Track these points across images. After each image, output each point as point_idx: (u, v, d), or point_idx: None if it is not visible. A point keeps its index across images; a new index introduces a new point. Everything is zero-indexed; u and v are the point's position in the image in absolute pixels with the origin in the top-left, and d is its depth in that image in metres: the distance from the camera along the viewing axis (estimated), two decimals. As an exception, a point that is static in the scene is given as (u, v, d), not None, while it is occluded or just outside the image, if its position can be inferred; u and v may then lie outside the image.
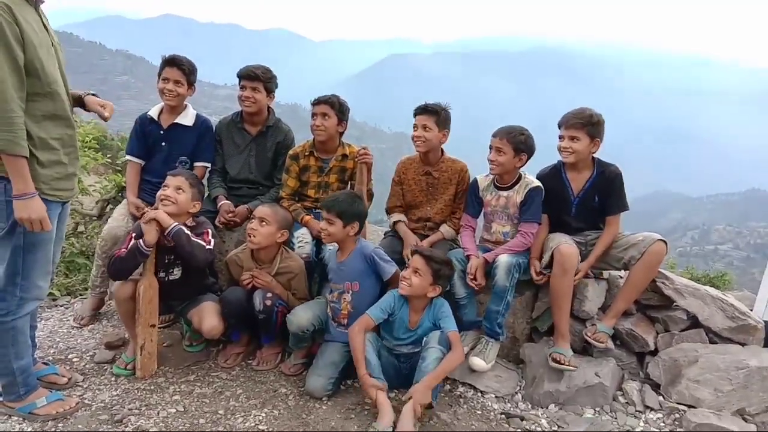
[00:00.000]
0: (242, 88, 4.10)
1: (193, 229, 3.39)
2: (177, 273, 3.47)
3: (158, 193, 3.40)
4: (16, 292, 2.70)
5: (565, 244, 3.37)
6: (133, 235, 3.36)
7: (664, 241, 3.37)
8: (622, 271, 3.68)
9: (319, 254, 3.81)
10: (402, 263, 3.60)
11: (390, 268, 3.43)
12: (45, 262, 2.78)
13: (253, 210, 3.82)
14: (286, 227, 3.57)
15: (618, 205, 3.54)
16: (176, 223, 3.27)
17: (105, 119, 3.10)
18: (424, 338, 3.19)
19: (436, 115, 3.75)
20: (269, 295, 3.44)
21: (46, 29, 2.70)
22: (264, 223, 3.46)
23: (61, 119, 2.70)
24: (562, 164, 3.66)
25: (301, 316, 3.41)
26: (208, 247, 3.34)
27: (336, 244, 3.51)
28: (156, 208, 3.34)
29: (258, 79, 4.08)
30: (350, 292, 3.43)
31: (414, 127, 3.83)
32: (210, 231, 3.45)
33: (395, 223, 3.97)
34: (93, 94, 3.11)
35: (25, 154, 2.49)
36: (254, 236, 3.46)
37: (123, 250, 3.30)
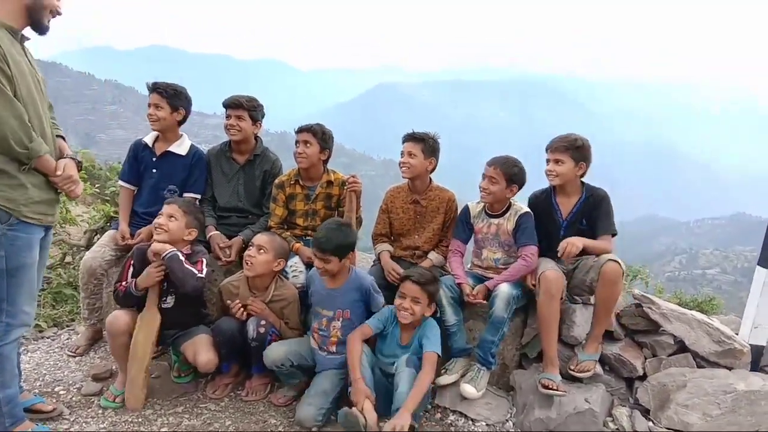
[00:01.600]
0: (228, 116, 4.15)
1: (188, 257, 3.40)
2: (170, 301, 3.47)
3: (154, 222, 3.42)
4: (1, 318, 2.68)
5: (550, 270, 3.41)
6: (132, 262, 3.40)
7: (616, 261, 3.36)
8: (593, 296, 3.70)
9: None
10: (392, 290, 3.62)
11: (380, 300, 3.52)
12: (30, 287, 2.77)
13: (247, 240, 3.87)
14: (283, 256, 3.58)
15: (606, 226, 3.57)
16: (172, 249, 3.29)
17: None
18: (395, 363, 3.24)
19: (422, 142, 3.81)
20: (263, 322, 3.44)
21: (30, 63, 2.74)
22: (261, 251, 3.46)
23: None
24: (553, 189, 3.73)
25: (276, 351, 3.40)
26: (199, 275, 3.34)
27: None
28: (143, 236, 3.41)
29: (242, 107, 4.13)
30: (341, 319, 3.44)
31: (401, 154, 3.88)
32: (204, 260, 3.46)
33: (380, 253, 3.98)
34: (73, 158, 2.96)
35: (48, 151, 2.69)
36: (251, 264, 3.46)
37: (122, 286, 3.37)
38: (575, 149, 3.55)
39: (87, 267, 3.95)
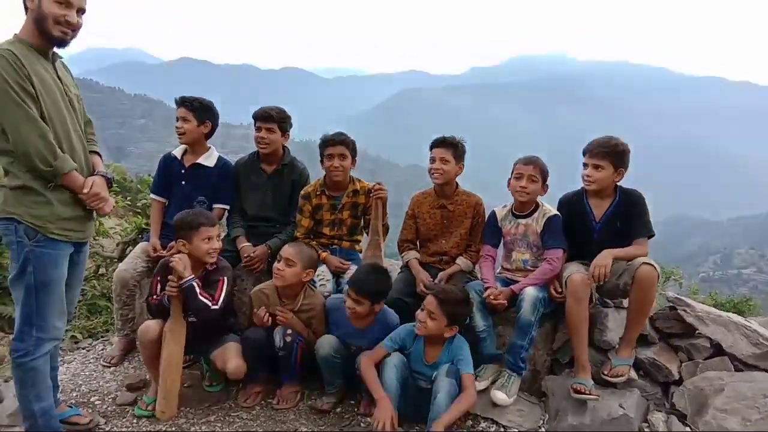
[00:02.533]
0: (258, 129, 4.19)
1: (211, 273, 3.45)
2: (195, 318, 3.50)
3: (204, 247, 3.38)
4: (32, 332, 2.75)
5: (576, 273, 3.36)
6: (158, 279, 3.45)
7: (651, 264, 3.31)
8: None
9: (339, 290, 3.83)
10: (418, 299, 3.61)
11: None
12: (59, 302, 2.83)
13: (273, 248, 3.93)
14: (311, 266, 3.60)
15: (643, 228, 3.50)
16: (190, 277, 3.30)
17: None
18: (434, 373, 3.18)
19: (454, 147, 3.81)
20: (289, 331, 3.46)
21: (61, 80, 2.80)
22: (290, 263, 3.48)
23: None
24: (585, 190, 3.67)
25: (328, 338, 3.46)
26: (213, 307, 3.33)
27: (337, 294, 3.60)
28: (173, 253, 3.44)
29: (272, 119, 4.17)
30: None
31: (431, 160, 3.87)
32: (225, 280, 3.46)
33: (408, 261, 3.98)
34: (104, 175, 2.98)
35: (76, 167, 2.75)
36: (280, 276, 3.49)
37: (155, 299, 3.43)
38: (616, 155, 3.48)
39: (120, 278, 4.03)
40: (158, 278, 3.47)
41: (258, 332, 3.52)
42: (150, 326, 3.41)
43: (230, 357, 3.44)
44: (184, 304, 3.38)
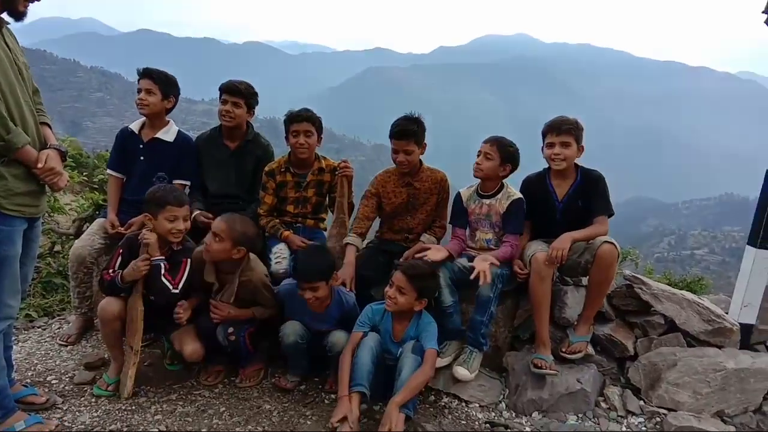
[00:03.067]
0: (223, 102, 4.09)
1: (176, 254, 3.37)
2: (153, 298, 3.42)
3: (167, 226, 3.29)
4: None
5: (540, 252, 3.42)
6: (120, 251, 3.34)
7: (612, 243, 3.38)
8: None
9: None
10: (383, 274, 3.62)
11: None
12: (13, 280, 2.73)
13: None
14: (245, 245, 3.38)
15: (602, 206, 3.55)
16: (160, 258, 3.25)
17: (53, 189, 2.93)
18: (399, 349, 3.21)
19: (414, 135, 3.74)
20: (230, 330, 3.41)
21: (9, 49, 2.67)
22: (218, 238, 3.31)
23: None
24: (548, 171, 3.71)
25: (293, 325, 3.39)
26: (173, 290, 3.27)
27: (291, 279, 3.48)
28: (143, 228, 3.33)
29: (240, 94, 4.08)
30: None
31: (394, 152, 3.79)
32: (188, 261, 3.39)
33: (347, 244, 3.78)
34: (57, 148, 2.86)
35: (29, 141, 2.63)
36: (208, 250, 3.35)
37: (109, 273, 3.29)
38: (578, 131, 3.55)
39: (76, 255, 3.92)
40: (120, 252, 3.35)
41: (207, 321, 3.44)
42: (110, 302, 3.31)
43: (186, 340, 3.39)
44: (144, 282, 3.31)
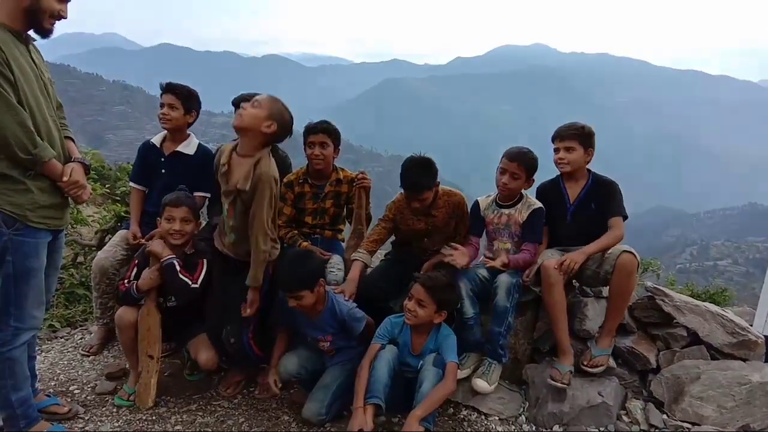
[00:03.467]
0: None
1: (190, 257, 3.42)
2: (174, 300, 3.48)
3: (165, 226, 3.39)
4: (10, 322, 2.70)
5: (549, 259, 3.40)
6: (136, 263, 3.40)
7: (631, 252, 3.34)
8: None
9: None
10: (400, 286, 3.61)
11: (359, 326, 3.37)
12: (38, 292, 2.78)
13: None
14: (279, 122, 3.18)
15: (616, 208, 3.53)
16: (170, 257, 3.30)
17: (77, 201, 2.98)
18: (419, 362, 3.19)
19: (428, 187, 3.60)
20: (232, 341, 3.39)
21: (36, 65, 2.74)
22: (256, 104, 3.16)
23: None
24: (561, 176, 3.73)
25: (290, 362, 3.39)
26: (192, 285, 3.32)
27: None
28: (155, 238, 3.39)
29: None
30: (326, 340, 3.41)
31: (411, 199, 3.67)
32: (204, 262, 3.45)
33: (353, 260, 3.74)
34: (81, 162, 2.92)
35: (54, 155, 2.69)
36: (241, 114, 3.16)
37: (125, 284, 3.36)
38: (584, 136, 3.58)
39: (99, 266, 3.98)
40: (136, 263, 3.43)
41: (218, 330, 3.43)
42: (126, 310, 3.38)
43: (201, 348, 3.43)
44: (161, 288, 3.35)
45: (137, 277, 3.39)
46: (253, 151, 3.17)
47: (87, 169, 2.94)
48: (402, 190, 3.74)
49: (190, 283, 3.32)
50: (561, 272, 3.32)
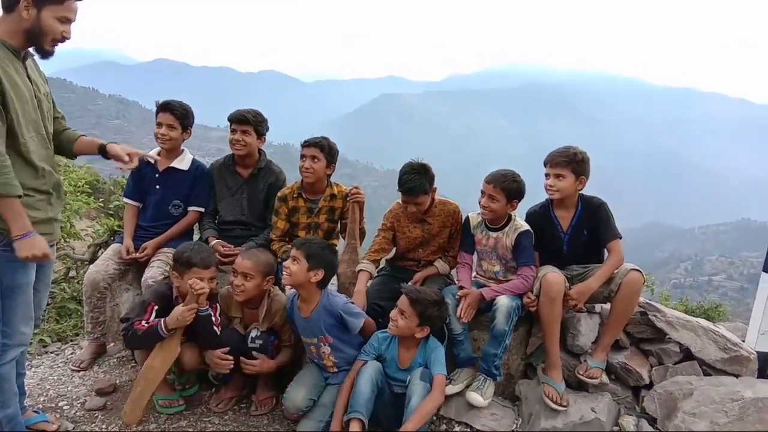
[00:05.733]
0: (233, 131, 4.16)
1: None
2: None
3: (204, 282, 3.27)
4: None
5: (551, 273, 3.40)
6: (155, 308, 3.31)
7: (638, 270, 3.37)
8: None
9: None
10: (395, 302, 3.61)
11: (357, 322, 3.35)
12: (26, 308, 2.76)
13: None
14: (271, 273, 3.46)
15: (610, 232, 3.53)
16: (206, 309, 3.27)
17: (124, 168, 3.12)
18: (408, 377, 3.17)
19: (422, 191, 3.66)
20: (256, 335, 3.45)
21: (31, 81, 2.74)
22: (248, 278, 3.36)
23: (33, 167, 2.70)
24: (551, 202, 3.69)
25: (297, 396, 3.31)
26: (218, 331, 3.35)
27: (294, 290, 3.41)
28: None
29: (248, 122, 4.14)
30: (326, 344, 3.36)
31: (404, 202, 3.77)
32: (218, 306, 3.45)
33: (360, 271, 3.79)
34: (114, 143, 3.13)
35: (19, 194, 2.51)
36: (241, 291, 3.36)
37: (143, 324, 3.24)
38: (576, 163, 3.50)
39: (91, 281, 3.96)
40: (155, 306, 3.33)
41: (227, 335, 3.45)
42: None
43: (184, 349, 3.38)
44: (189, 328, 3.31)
45: (158, 317, 3.29)
46: (317, 296, 3.35)
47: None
48: (399, 199, 3.83)
49: (218, 332, 3.33)
50: (570, 304, 3.38)
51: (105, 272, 3.96)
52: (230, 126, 4.19)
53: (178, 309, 3.21)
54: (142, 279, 3.87)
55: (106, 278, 3.96)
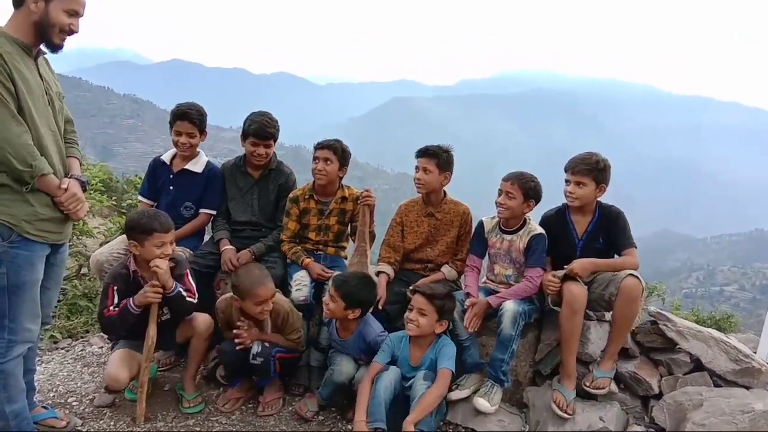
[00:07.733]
0: (254, 144, 4.09)
1: (173, 269, 3.33)
2: (168, 313, 3.42)
3: (158, 252, 3.22)
4: (4, 335, 2.69)
5: (575, 284, 3.38)
6: (115, 288, 3.26)
7: (636, 276, 3.33)
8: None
9: (321, 296, 3.79)
10: (403, 305, 3.61)
11: None
12: (33, 304, 2.77)
13: (256, 253, 3.95)
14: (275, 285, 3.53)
15: (627, 240, 3.52)
16: (176, 286, 3.25)
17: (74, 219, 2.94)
18: (411, 380, 3.21)
19: (436, 157, 3.80)
20: (266, 344, 3.45)
21: (43, 79, 2.76)
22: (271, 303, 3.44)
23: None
24: (567, 206, 3.69)
25: (347, 366, 3.45)
26: (193, 301, 3.35)
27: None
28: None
29: (273, 138, 4.11)
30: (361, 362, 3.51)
31: (416, 169, 3.88)
32: (189, 272, 3.44)
33: (378, 273, 3.88)
34: (78, 179, 2.89)
35: (50, 171, 2.67)
36: (265, 315, 3.47)
37: (114, 309, 3.21)
38: (598, 171, 3.50)
39: (95, 261, 3.91)
40: (114, 288, 3.27)
41: (232, 344, 3.45)
42: (119, 371, 3.26)
43: (195, 318, 3.45)
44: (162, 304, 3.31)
45: (121, 298, 3.24)
46: (354, 326, 3.50)
47: (84, 186, 2.91)
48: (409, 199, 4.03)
49: (194, 301, 3.34)
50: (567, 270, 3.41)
51: (109, 253, 3.89)
52: (250, 138, 4.09)
53: (145, 288, 3.18)
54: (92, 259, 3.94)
55: (109, 259, 3.83)
